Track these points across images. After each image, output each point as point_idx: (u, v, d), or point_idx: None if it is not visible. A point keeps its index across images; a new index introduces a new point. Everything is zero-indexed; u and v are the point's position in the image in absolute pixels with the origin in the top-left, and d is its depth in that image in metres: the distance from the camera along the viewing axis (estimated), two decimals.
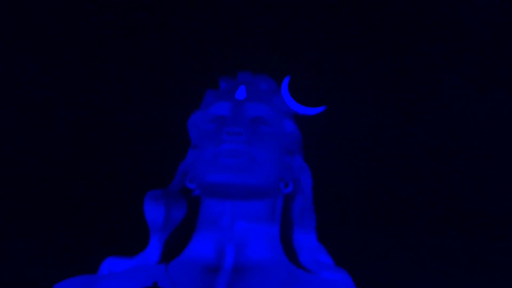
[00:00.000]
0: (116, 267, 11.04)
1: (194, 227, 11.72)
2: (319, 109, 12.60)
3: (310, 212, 11.71)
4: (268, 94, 12.35)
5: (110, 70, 16.01)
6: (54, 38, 16.11)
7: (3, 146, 15.93)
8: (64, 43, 16.24)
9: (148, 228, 11.21)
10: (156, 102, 15.56)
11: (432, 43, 16.03)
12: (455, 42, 15.92)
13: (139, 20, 16.20)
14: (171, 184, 11.95)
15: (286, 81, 12.58)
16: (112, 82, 15.91)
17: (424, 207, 15.11)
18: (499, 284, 14.35)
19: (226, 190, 11.03)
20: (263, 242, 11.18)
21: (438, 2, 15.36)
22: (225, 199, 11.21)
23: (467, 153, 15.60)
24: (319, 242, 11.48)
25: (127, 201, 13.06)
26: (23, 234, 14.78)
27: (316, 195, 11.79)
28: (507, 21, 15.02)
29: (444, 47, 15.96)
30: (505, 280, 14.12)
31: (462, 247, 14.45)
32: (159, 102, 15.51)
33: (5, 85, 16.12)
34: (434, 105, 16.03)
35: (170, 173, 12.22)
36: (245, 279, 10.39)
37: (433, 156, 15.72)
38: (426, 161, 15.49)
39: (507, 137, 15.32)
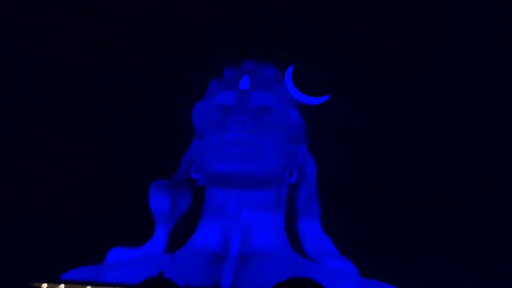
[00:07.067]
0: (122, 257, 11.09)
1: (199, 216, 11.72)
2: (323, 99, 12.57)
3: (315, 201, 11.70)
4: (273, 82, 12.30)
5: (114, 59, 15.98)
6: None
7: (14, 131, 15.98)
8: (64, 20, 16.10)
9: (153, 218, 11.24)
10: (160, 91, 15.54)
11: (436, 32, 15.92)
12: (455, 31, 15.80)
13: (144, 9, 16.14)
14: (176, 174, 11.95)
15: (290, 70, 12.54)
16: (116, 70, 15.89)
17: (428, 197, 15.08)
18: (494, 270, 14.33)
19: (231, 179, 11.03)
20: (268, 231, 11.20)
21: None
22: (231, 188, 11.22)
23: (466, 134, 15.53)
24: (323, 231, 11.49)
25: (133, 191, 13.09)
26: (31, 225, 14.86)
27: (320, 184, 11.77)
28: (507, 21, 14.90)
29: (446, 38, 15.86)
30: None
31: (463, 236, 14.44)
32: (163, 91, 15.49)
33: (6, 85, 16.18)
34: (436, 95, 15.97)
35: (174, 163, 12.21)
36: (250, 268, 10.42)
37: (435, 146, 15.67)
38: (428, 150, 15.45)
39: (507, 135, 15.24)
